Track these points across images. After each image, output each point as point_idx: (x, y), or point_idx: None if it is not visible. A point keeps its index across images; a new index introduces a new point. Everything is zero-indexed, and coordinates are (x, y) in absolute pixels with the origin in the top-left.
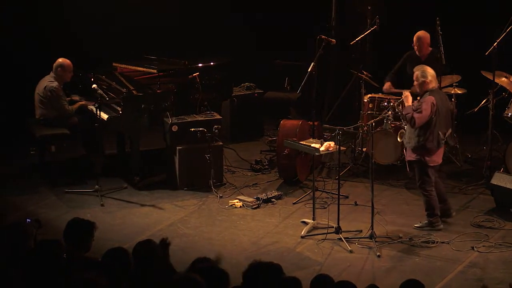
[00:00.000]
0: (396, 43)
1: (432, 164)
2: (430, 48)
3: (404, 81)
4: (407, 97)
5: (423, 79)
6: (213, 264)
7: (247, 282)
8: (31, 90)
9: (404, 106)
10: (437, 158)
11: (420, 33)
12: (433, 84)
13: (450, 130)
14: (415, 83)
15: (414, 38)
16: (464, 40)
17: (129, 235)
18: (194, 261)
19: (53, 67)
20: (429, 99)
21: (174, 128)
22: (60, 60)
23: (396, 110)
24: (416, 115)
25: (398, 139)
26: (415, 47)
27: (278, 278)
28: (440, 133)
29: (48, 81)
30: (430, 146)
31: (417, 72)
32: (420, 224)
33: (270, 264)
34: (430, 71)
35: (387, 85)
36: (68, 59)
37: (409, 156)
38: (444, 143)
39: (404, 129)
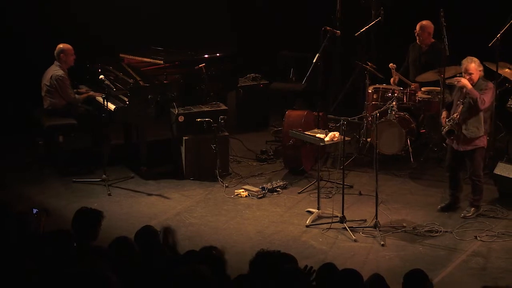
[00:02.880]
0: (400, 34)
1: (485, 147)
2: (433, 40)
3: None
4: (464, 82)
5: (480, 68)
6: (219, 254)
7: (254, 270)
8: (37, 81)
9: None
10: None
11: (424, 21)
12: (482, 72)
13: None
14: (472, 73)
15: (417, 27)
16: (467, 32)
17: (136, 224)
18: (200, 249)
19: (55, 55)
20: (491, 84)
21: (181, 119)
22: (60, 45)
23: (464, 90)
24: (484, 96)
25: (443, 133)
26: (416, 33)
27: (283, 267)
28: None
29: (54, 70)
30: (489, 129)
31: (469, 63)
32: (470, 214)
33: (280, 254)
34: (478, 60)
35: (395, 78)
36: (76, 50)
37: (468, 145)
38: None
39: (449, 124)
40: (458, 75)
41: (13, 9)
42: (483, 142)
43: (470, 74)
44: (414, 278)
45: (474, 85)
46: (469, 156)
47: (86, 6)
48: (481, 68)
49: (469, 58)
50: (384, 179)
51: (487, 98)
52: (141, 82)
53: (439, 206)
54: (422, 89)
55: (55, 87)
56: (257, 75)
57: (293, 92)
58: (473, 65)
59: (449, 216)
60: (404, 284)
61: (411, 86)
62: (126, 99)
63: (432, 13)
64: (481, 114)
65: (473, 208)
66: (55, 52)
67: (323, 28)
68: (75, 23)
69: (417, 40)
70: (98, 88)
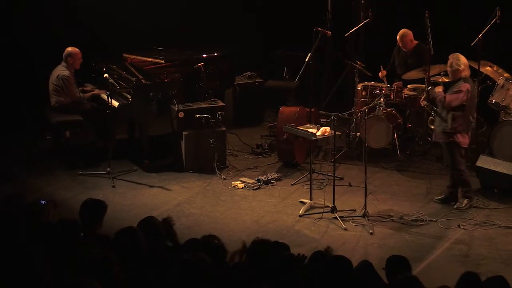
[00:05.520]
0: (388, 34)
1: (464, 146)
2: (415, 42)
3: (393, 72)
4: (437, 90)
5: (457, 67)
6: (214, 241)
7: (250, 258)
8: (45, 79)
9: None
10: (467, 140)
11: (402, 31)
12: (466, 72)
13: (475, 115)
14: (449, 69)
15: (398, 37)
16: (451, 31)
17: (139, 214)
18: (201, 237)
19: (63, 57)
20: (466, 86)
21: (181, 115)
22: (69, 49)
23: (430, 92)
24: (448, 96)
25: (431, 126)
26: (400, 44)
27: (282, 255)
28: (470, 117)
29: (61, 70)
30: (461, 129)
31: (451, 60)
32: (462, 205)
33: (274, 242)
34: (463, 60)
35: (382, 73)
36: (81, 50)
37: (440, 138)
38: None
39: (433, 116)
40: (442, 73)
41: (20, 12)
42: (455, 138)
43: (448, 67)
44: (394, 263)
45: (453, 81)
46: (446, 150)
47: (91, 9)
48: (462, 68)
49: (454, 54)
50: (372, 171)
51: (451, 98)
52: (143, 80)
53: (436, 198)
54: (408, 86)
55: (61, 86)
56: (253, 73)
57: (286, 90)
58: (450, 61)
59: (434, 206)
60: (387, 267)
61: (393, 84)
62: (129, 96)
63: (417, 14)
64: (451, 111)
65: (465, 200)
66: (64, 54)
67: (314, 29)
68: (81, 25)
69: (402, 48)
70: (102, 86)
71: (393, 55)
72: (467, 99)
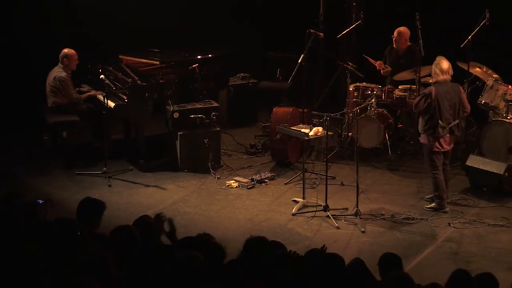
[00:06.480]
0: (379, 36)
1: (434, 149)
2: (409, 43)
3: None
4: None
5: (434, 69)
6: (212, 240)
7: (245, 255)
8: (45, 79)
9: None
10: (439, 145)
11: (401, 28)
12: (441, 77)
13: (457, 120)
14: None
15: (395, 32)
16: (441, 33)
17: (134, 213)
18: (197, 235)
19: (59, 58)
20: (428, 89)
21: (176, 115)
22: (65, 50)
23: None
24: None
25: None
26: (394, 39)
27: (276, 252)
28: (440, 122)
29: (57, 72)
30: (429, 132)
31: (434, 62)
32: (427, 206)
33: (269, 241)
34: (442, 65)
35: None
36: (77, 51)
37: (421, 139)
38: (447, 132)
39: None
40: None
41: (19, 14)
42: (424, 140)
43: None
44: (387, 260)
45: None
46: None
47: (91, 9)
48: (436, 72)
49: (438, 57)
50: (364, 171)
51: (415, 101)
52: (138, 82)
53: (426, 197)
54: (399, 87)
55: (58, 87)
56: (246, 74)
57: (280, 90)
58: (433, 63)
59: (425, 205)
60: (379, 264)
61: (386, 86)
62: (125, 97)
63: (408, 16)
64: (419, 113)
65: (433, 204)
66: (60, 55)
67: (307, 31)
68: (80, 25)
69: (394, 45)
70: (98, 87)
71: (384, 55)
72: (431, 101)
